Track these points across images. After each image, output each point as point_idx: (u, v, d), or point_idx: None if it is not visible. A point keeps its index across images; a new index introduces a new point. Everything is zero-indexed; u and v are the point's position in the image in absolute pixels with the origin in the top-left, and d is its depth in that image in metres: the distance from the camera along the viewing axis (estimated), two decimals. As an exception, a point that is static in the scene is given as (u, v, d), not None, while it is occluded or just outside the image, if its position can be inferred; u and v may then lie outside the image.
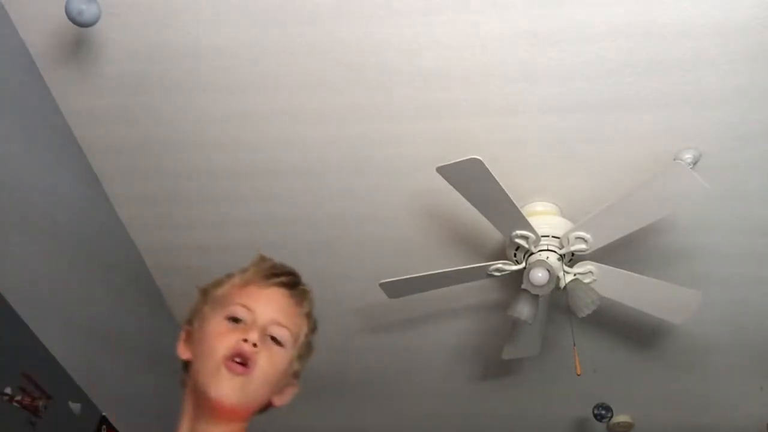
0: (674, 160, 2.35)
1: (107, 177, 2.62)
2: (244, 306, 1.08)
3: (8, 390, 2.21)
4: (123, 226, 2.81)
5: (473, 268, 2.59)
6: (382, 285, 2.62)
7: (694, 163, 2.36)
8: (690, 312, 2.66)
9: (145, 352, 3.02)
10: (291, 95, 2.28)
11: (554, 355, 3.28)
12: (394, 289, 2.63)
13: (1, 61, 2.09)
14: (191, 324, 1.12)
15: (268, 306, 1.09)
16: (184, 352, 1.10)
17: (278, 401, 1.10)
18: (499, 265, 2.59)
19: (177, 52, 2.15)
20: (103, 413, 2.72)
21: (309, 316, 1.15)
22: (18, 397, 2.25)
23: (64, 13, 1.75)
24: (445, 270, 2.59)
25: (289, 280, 1.14)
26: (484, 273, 2.61)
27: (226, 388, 0.99)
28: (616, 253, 2.64)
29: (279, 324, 1.08)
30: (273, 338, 1.07)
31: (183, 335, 1.12)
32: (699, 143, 2.33)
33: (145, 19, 2.07)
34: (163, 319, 3.17)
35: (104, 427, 2.73)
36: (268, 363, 1.04)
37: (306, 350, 1.14)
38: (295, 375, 1.12)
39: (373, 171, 2.53)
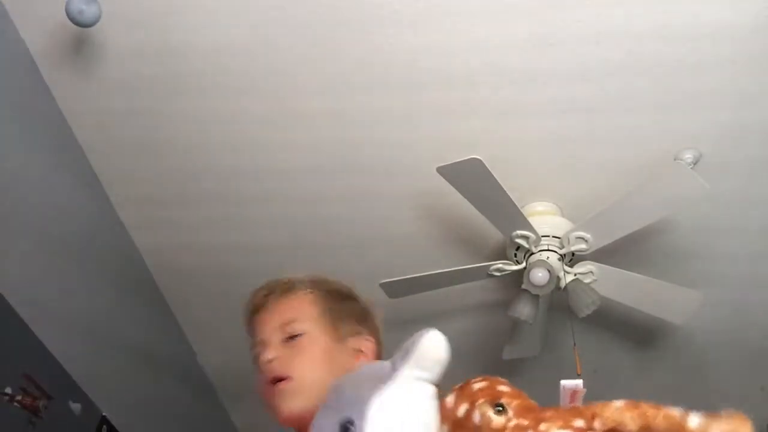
0: (674, 160, 2.35)
1: (108, 178, 2.62)
2: (252, 340, 1.15)
3: (8, 390, 2.21)
4: (124, 227, 2.81)
5: (473, 268, 2.59)
6: (382, 285, 2.62)
7: (694, 163, 2.36)
8: (690, 312, 2.66)
9: (146, 353, 3.02)
10: (293, 97, 2.28)
11: (554, 355, 3.28)
12: (394, 289, 2.63)
13: (1, 61, 2.09)
14: None
15: (262, 327, 1.13)
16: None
17: (358, 360, 1.12)
18: (500, 265, 2.59)
19: (179, 53, 2.15)
20: (104, 413, 2.72)
21: (314, 289, 1.17)
22: (18, 397, 2.25)
23: (64, 13, 1.74)
24: (445, 270, 2.59)
25: (260, 302, 1.16)
26: (484, 273, 2.61)
27: (283, 406, 1.05)
28: (616, 253, 2.64)
29: (280, 326, 1.11)
30: (290, 337, 1.10)
31: None
32: (699, 143, 2.33)
33: (147, 19, 2.06)
34: (163, 320, 3.17)
35: (105, 427, 2.72)
36: (301, 355, 1.08)
37: (337, 313, 1.15)
38: (353, 333, 1.15)
39: (373, 172, 2.53)
